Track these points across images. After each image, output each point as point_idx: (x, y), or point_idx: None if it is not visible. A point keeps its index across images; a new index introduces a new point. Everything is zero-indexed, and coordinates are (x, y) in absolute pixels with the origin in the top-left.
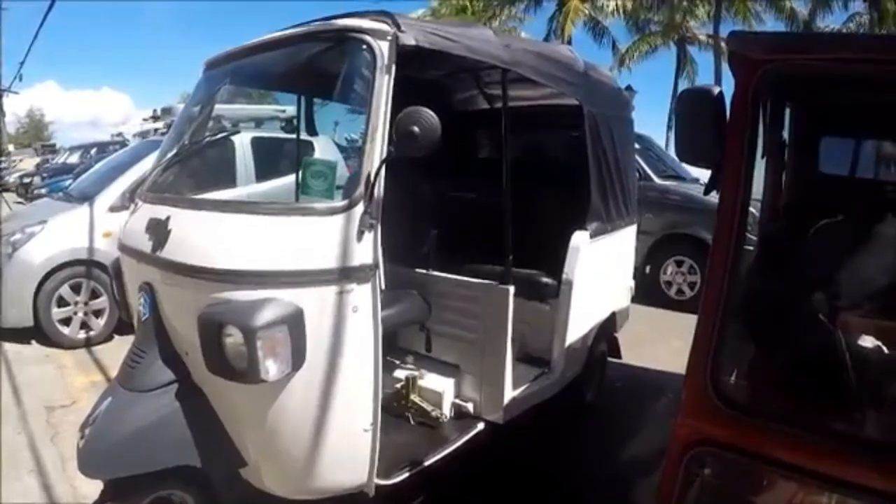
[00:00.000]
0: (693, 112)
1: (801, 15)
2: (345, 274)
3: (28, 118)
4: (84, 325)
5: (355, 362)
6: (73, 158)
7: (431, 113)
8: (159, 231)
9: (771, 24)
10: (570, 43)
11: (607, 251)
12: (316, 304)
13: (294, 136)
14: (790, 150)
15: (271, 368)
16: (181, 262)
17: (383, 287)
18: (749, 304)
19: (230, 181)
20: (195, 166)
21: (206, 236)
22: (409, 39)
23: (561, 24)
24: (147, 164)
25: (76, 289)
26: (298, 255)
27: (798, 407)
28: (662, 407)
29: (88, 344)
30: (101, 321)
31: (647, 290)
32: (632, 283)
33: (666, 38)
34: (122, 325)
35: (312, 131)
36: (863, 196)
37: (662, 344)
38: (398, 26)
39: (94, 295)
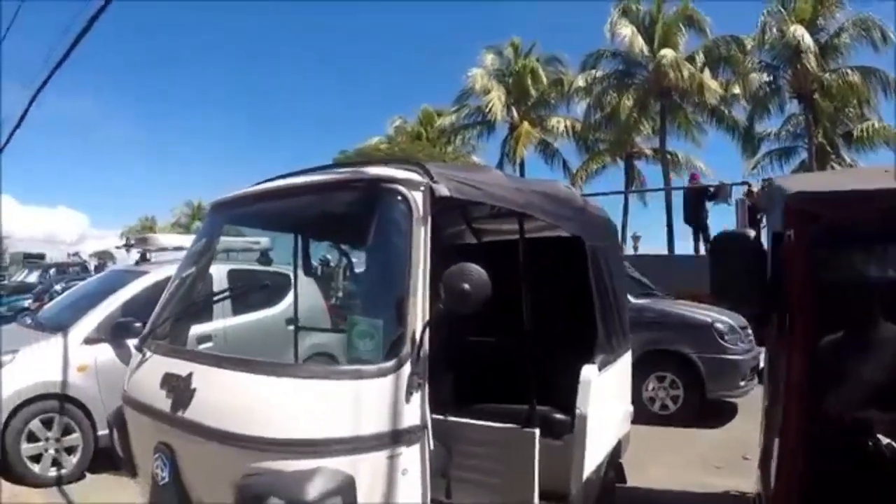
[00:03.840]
0: (732, 257)
1: (741, 122)
2: (395, 437)
3: None
4: (56, 463)
5: None
6: (32, 277)
7: (479, 268)
8: (180, 389)
9: (712, 133)
10: (522, 165)
11: (612, 381)
12: (367, 471)
13: (270, 268)
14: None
15: None
16: (215, 427)
17: (432, 447)
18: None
19: (207, 314)
20: (191, 306)
21: (245, 400)
22: (442, 190)
23: (513, 148)
24: (122, 295)
25: (48, 423)
26: (348, 421)
27: None
28: None
29: (60, 482)
30: (74, 459)
31: None
32: (631, 407)
33: (614, 156)
34: (95, 463)
35: (309, 271)
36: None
37: (657, 461)
38: (431, 177)
39: (67, 431)
